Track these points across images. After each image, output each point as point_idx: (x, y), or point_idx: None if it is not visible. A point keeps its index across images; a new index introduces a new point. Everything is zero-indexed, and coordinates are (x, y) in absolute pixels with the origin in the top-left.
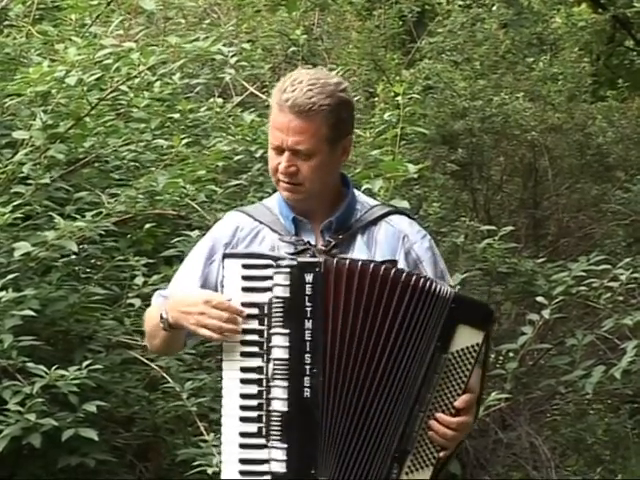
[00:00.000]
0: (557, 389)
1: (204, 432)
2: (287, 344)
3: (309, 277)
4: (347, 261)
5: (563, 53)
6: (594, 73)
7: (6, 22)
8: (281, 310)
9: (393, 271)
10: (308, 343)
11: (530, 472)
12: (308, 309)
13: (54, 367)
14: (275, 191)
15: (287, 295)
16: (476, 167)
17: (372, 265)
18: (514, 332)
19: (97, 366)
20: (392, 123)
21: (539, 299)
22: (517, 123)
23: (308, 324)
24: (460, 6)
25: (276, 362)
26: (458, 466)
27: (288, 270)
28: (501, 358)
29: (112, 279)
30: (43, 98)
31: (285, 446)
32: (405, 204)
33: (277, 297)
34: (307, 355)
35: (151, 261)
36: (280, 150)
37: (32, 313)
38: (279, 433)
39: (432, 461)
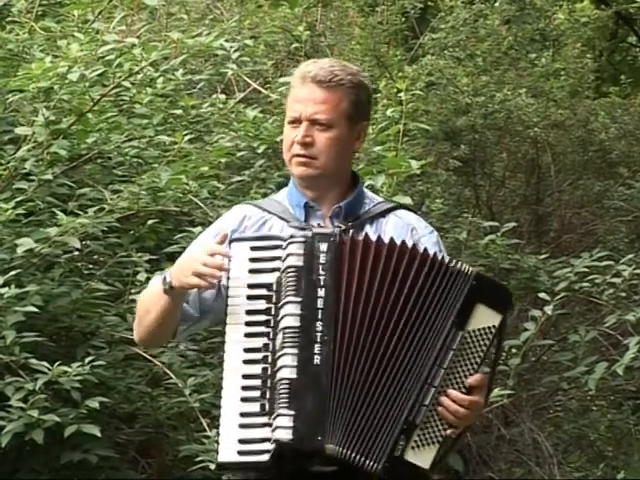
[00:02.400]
0: (560, 385)
1: (207, 428)
2: (298, 312)
3: (323, 246)
4: (363, 234)
5: (566, 49)
6: (597, 69)
7: (9, 18)
8: (294, 279)
9: (411, 245)
10: (320, 311)
11: (533, 468)
12: (321, 277)
13: (57, 363)
14: (279, 187)
15: (300, 264)
16: (479, 163)
17: (389, 239)
18: (517, 328)
19: (100, 362)
20: (395, 119)
21: (542, 295)
22: (520, 119)
23: (321, 292)
24: (463, 2)
25: (286, 331)
26: (460, 462)
27: (303, 240)
28: (504, 354)
29: (115, 275)
30: (46, 94)
31: (292, 413)
32: (408, 200)
33: (290, 266)
34: (318, 323)
35: (154, 257)
36: (298, 122)
37: (35, 309)
38: (286, 400)
39: (439, 439)
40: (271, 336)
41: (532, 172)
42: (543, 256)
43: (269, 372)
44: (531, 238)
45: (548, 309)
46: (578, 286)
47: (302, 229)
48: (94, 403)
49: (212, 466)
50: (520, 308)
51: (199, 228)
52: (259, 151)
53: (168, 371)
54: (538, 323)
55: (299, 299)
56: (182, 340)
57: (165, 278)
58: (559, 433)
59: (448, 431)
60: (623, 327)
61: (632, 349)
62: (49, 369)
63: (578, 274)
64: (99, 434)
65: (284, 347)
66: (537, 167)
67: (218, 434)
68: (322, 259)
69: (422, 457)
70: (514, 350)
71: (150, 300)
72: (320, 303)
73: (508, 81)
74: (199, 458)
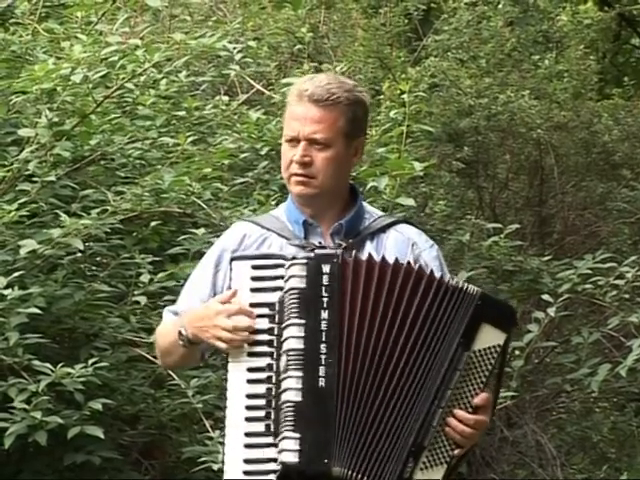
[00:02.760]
0: (563, 387)
1: (210, 430)
2: (302, 334)
3: (326, 268)
4: (367, 254)
5: (569, 51)
6: (600, 71)
7: (12, 20)
8: (297, 301)
9: (417, 267)
10: (324, 333)
11: (536, 470)
12: (325, 299)
13: (60, 365)
14: (281, 190)
15: (303, 286)
16: (482, 165)
17: (394, 260)
18: (520, 330)
19: (103, 364)
20: (398, 121)
21: (545, 297)
22: (523, 121)
23: (324, 314)
24: (466, 4)
25: (290, 353)
26: (464, 464)
27: (305, 261)
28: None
29: (118, 277)
30: (49, 96)
31: (298, 436)
32: (411, 202)
33: (293, 288)
34: (323, 345)
35: (157, 259)
36: (295, 141)
37: (38, 311)
38: (292, 423)
39: (446, 459)
40: (274, 356)
41: (535, 174)
42: (546, 258)
43: (273, 393)
44: (534, 240)
45: (551, 311)
46: (581, 288)
47: (303, 247)
48: (97, 405)
49: (215, 467)
50: (523, 310)
51: (202, 230)
52: (262, 153)
53: (171, 372)
54: (541, 325)
55: (302, 321)
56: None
57: (181, 332)
58: (562, 435)
59: (455, 451)
60: (626, 329)
61: (635, 351)
62: (52, 371)
63: (581, 276)
64: (102, 436)
65: (288, 369)
66: (540, 169)
67: (223, 436)
68: (325, 281)
69: (430, 478)
70: (517, 352)
71: (170, 344)
72: (324, 325)
73: (511, 83)
74: (202, 459)
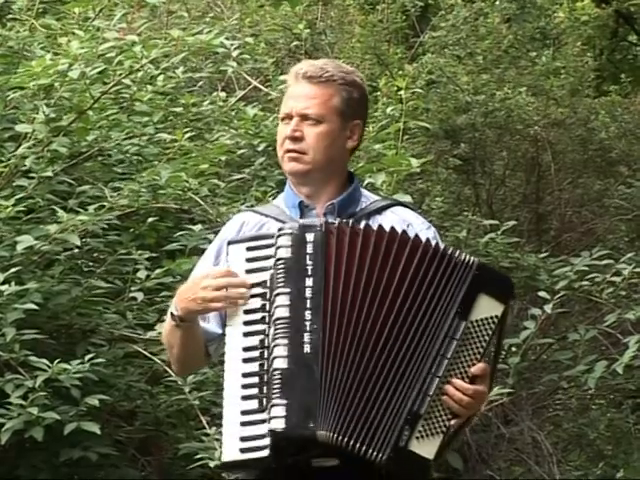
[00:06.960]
0: (559, 384)
1: (206, 426)
2: (288, 302)
3: (310, 236)
4: (350, 222)
5: (566, 48)
6: (597, 68)
7: (9, 15)
8: (283, 270)
9: (400, 232)
10: (309, 300)
11: (532, 467)
12: (309, 267)
13: (56, 361)
14: (278, 186)
15: (289, 255)
16: (479, 162)
17: (377, 226)
18: (517, 327)
19: (99, 360)
20: (395, 117)
21: (542, 294)
22: (520, 118)
23: (309, 282)
24: (463, 0)
25: (277, 322)
26: (460, 461)
27: (290, 232)
28: (504, 353)
29: (115, 273)
30: (46, 91)
31: (285, 402)
32: (408, 198)
33: (280, 259)
34: (307, 312)
35: (154, 255)
36: (289, 118)
37: (35, 307)
38: (279, 390)
39: (443, 429)
40: (266, 332)
41: (532, 171)
42: (543, 255)
43: (265, 367)
44: (531, 237)
45: (548, 308)
46: (578, 285)
47: None
48: (94, 401)
49: (211, 464)
50: (520, 307)
51: (199, 226)
52: (259, 149)
53: (168, 369)
54: (538, 322)
55: (288, 290)
56: (218, 357)
57: (172, 313)
58: (559, 432)
59: (452, 421)
60: (623, 326)
61: (632, 348)
62: (49, 366)
63: (578, 273)
64: (99, 432)
65: (276, 338)
66: (537, 166)
67: (219, 432)
68: (309, 249)
69: (426, 448)
70: (514, 349)
71: (170, 336)
72: (308, 293)
73: (508, 79)
74: (198, 456)
